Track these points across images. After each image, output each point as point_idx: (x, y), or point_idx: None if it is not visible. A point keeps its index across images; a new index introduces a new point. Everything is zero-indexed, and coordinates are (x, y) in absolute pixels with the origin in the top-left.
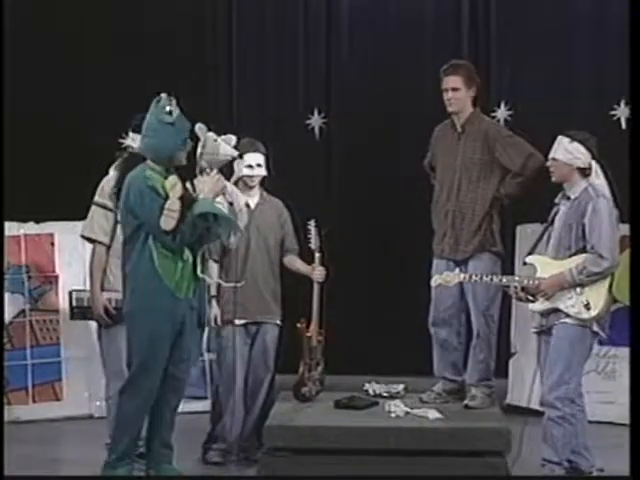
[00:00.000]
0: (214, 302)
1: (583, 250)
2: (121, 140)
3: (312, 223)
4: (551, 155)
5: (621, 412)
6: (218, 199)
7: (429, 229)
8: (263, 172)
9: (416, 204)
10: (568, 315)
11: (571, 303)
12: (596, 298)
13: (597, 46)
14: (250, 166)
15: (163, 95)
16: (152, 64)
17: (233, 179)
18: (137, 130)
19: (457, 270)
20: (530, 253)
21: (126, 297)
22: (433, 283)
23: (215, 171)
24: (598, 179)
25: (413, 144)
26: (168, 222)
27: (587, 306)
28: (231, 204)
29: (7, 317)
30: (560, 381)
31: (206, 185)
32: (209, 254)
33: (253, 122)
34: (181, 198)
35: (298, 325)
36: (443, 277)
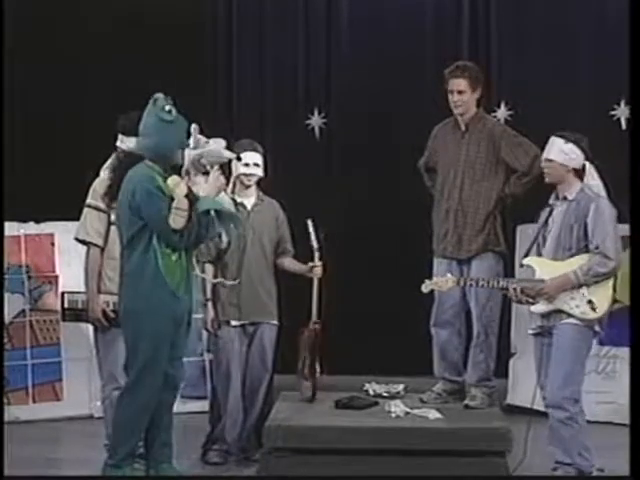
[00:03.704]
0: (209, 305)
1: (585, 250)
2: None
3: (310, 223)
4: (545, 156)
5: (621, 412)
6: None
7: (430, 229)
8: (260, 172)
9: (416, 204)
10: (572, 316)
11: (575, 304)
12: (601, 298)
13: (597, 46)
14: (247, 164)
15: (160, 95)
16: (152, 64)
17: (232, 180)
18: (124, 131)
19: (449, 274)
20: (526, 255)
21: (126, 298)
22: (424, 289)
23: (216, 168)
24: (593, 180)
25: (413, 144)
26: (178, 221)
27: (593, 306)
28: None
29: (7, 317)
30: (567, 382)
31: (207, 183)
32: (200, 256)
33: (253, 122)
34: (186, 197)
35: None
36: (434, 282)
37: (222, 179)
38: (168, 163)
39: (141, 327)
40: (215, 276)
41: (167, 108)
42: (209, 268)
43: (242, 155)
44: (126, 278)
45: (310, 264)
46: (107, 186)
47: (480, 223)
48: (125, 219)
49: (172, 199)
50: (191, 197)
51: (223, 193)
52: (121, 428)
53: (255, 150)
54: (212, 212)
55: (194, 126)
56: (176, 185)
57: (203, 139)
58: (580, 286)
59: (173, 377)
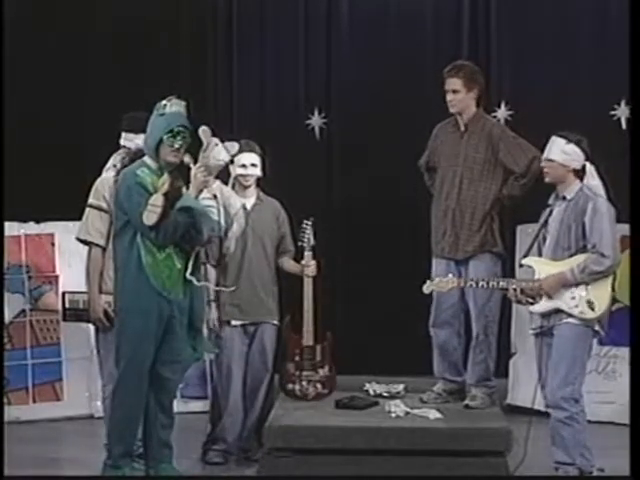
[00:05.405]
0: (213, 305)
1: (583, 250)
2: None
3: (310, 222)
4: (546, 156)
5: (621, 412)
6: (205, 196)
7: (429, 229)
8: (257, 172)
9: (416, 204)
10: (571, 315)
11: (574, 303)
12: (600, 297)
13: (597, 46)
14: (244, 166)
15: (172, 97)
16: (152, 64)
17: (230, 181)
18: (130, 129)
19: (450, 275)
20: (525, 255)
21: (115, 294)
22: (426, 290)
23: (197, 166)
24: (593, 180)
25: (413, 144)
26: (150, 217)
27: (591, 306)
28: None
29: (7, 317)
30: (565, 381)
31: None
32: (207, 259)
33: (253, 122)
34: (166, 194)
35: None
36: (435, 283)
37: (200, 177)
38: (158, 158)
39: (124, 324)
40: (217, 277)
41: (163, 103)
42: (211, 270)
43: (239, 156)
44: (115, 274)
45: (303, 262)
46: (112, 184)
47: (477, 224)
48: (114, 214)
49: None
50: (172, 195)
51: (205, 192)
52: (114, 427)
53: (252, 151)
54: (194, 211)
55: (204, 128)
56: (162, 184)
57: (213, 142)
58: (577, 284)
59: (168, 380)
